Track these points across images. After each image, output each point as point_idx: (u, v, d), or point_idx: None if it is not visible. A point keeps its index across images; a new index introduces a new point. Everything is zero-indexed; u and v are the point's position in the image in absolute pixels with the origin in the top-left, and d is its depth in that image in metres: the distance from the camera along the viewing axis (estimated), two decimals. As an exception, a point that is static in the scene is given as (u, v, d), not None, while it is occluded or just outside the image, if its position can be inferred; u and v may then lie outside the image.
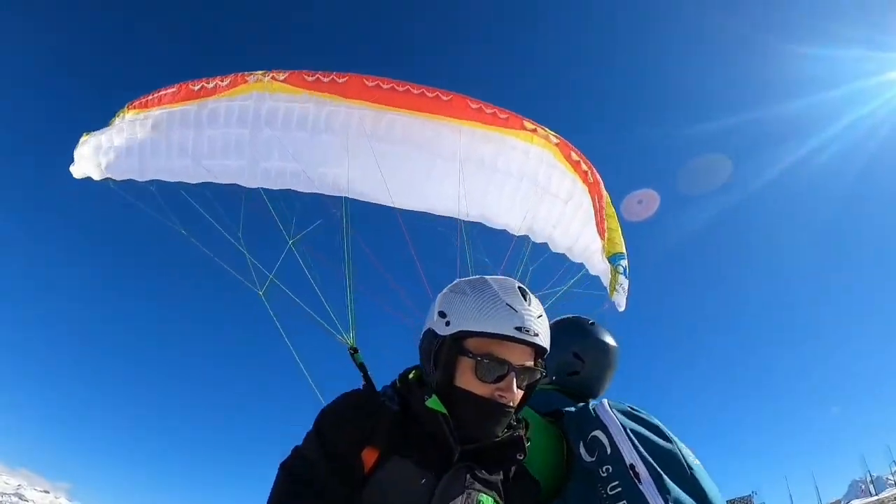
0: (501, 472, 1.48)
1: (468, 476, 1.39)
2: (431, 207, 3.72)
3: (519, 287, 1.46)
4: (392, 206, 3.60)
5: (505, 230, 3.91)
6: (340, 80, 3.36)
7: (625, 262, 3.56)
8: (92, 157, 3.21)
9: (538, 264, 3.93)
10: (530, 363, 1.43)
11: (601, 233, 3.41)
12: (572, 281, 3.86)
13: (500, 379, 1.38)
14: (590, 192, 3.58)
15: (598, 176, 3.62)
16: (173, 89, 3.11)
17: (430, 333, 1.47)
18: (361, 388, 1.71)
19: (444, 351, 1.41)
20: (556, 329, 1.85)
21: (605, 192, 3.61)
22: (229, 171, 3.23)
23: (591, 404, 1.85)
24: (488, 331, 1.36)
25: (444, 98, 3.41)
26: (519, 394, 1.43)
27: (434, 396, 1.39)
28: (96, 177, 3.23)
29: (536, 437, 1.58)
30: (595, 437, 1.75)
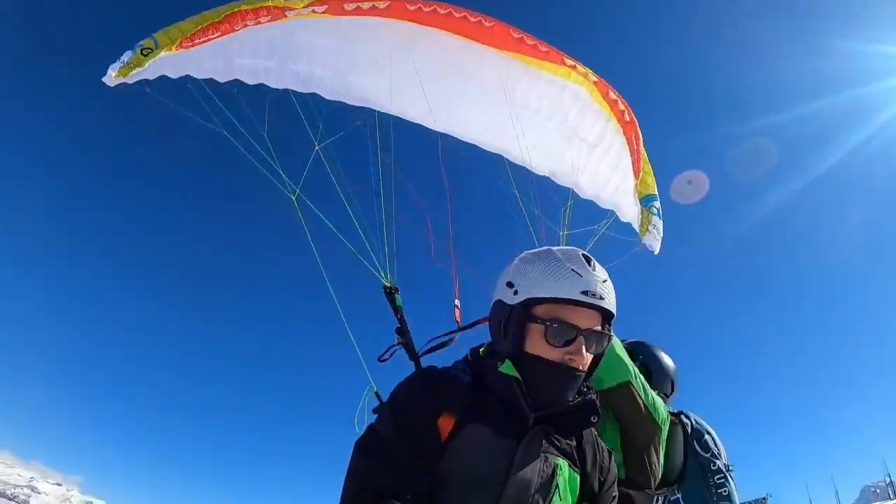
0: (574, 439, 1.50)
1: (544, 441, 1.41)
2: (458, 132, 3.64)
3: (583, 254, 1.48)
4: (420, 123, 3.55)
5: (526, 167, 3.83)
6: (382, 6, 3.36)
7: (658, 204, 3.48)
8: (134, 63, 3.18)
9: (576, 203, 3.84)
10: (598, 327, 1.44)
11: (636, 171, 3.33)
12: (606, 223, 3.78)
13: (569, 343, 1.40)
14: (625, 131, 3.47)
15: (634, 116, 3.51)
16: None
17: (499, 304, 1.51)
18: (433, 367, 1.70)
19: (513, 319, 1.44)
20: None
21: (640, 134, 3.55)
22: (257, 71, 3.24)
23: (692, 416, 2.73)
24: (555, 296, 1.39)
25: (487, 24, 3.34)
26: (588, 358, 1.44)
27: (507, 362, 1.41)
28: (134, 79, 3.13)
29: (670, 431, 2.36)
30: (706, 439, 2.66)
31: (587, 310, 1.41)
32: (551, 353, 1.40)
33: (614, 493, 1.58)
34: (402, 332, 2.72)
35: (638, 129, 3.51)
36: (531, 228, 3.35)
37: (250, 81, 3.18)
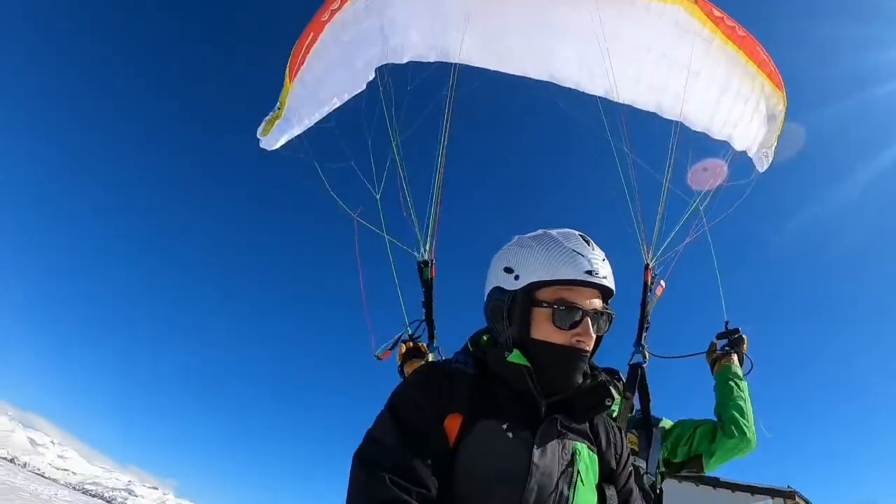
0: (587, 423, 1.47)
1: (559, 427, 1.37)
2: (559, 77, 3.54)
3: (580, 234, 1.47)
4: (518, 74, 3.51)
5: (631, 106, 3.63)
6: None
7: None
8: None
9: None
10: (602, 307, 1.44)
11: (777, 83, 3.27)
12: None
13: (576, 325, 1.38)
14: (741, 46, 3.27)
15: (745, 30, 3.32)
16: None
17: (498, 291, 1.48)
18: (434, 362, 1.66)
19: (517, 305, 1.42)
20: None
21: (758, 42, 3.34)
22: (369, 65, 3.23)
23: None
24: (560, 278, 1.38)
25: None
26: (593, 338, 1.42)
27: (516, 351, 1.37)
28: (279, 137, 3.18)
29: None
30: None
31: (590, 290, 1.41)
32: (559, 337, 1.38)
33: (630, 469, 1.55)
34: (426, 305, 2.86)
35: (755, 41, 3.28)
36: (630, 182, 3.25)
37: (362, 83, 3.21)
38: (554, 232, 1.48)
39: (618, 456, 1.50)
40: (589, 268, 1.38)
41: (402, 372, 2.87)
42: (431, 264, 2.91)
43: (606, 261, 1.45)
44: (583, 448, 1.39)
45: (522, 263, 1.43)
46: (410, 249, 2.94)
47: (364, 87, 3.30)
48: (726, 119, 3.61)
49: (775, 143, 3.31)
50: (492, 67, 3.33)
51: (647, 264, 3.04)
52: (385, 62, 3.15)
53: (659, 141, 3.57)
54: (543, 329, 1.39)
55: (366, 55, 3.25)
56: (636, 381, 2.63)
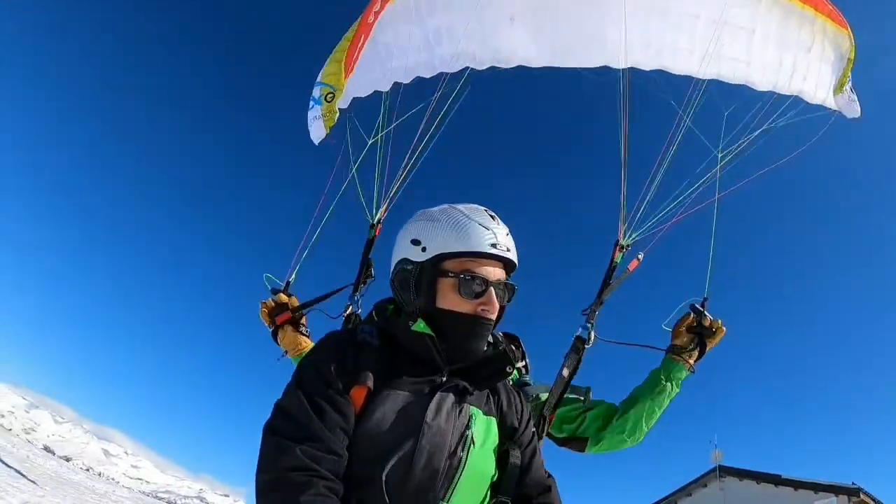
0: (489, 390, 1.54)
1: (457, 392, 1.42)
2: (607, 60, 3.40)
3: (486, 210, 1.53)
4: (565, 65, 3.38)
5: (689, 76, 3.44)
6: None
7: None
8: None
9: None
10: (505, 279, 1.51)
11: (840, 22, 3.12)
12: (773, 119, 3.37)
13: (480, 294, 1.44)
14: None
15: None
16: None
17: (405, 262, 1.53)
18: (337, 331, 1.72)
19: (424, 276, 1.47)
20: None
21: None
22: (409, 68, 3.20)
23: None
24: (465, 249, 1.44)
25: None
26: (496, 308, 1.48)
27: (420, 321, 1.43)
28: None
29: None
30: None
31: (494, 262, 1.48)
32: (464, 306, 1.44)
33: (532, 430, 1.61)
34: (361, 260, 2.95)
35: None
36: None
37: (406, 80, 3.14)
38: (460, 206, 1.54)
39: (519, 417, 1.57)
40: (494, 241, 1.45)
41: (275, 338, 2.81)
42: (379, 223, 3.05)
43: (510, 236, 1.53)
44: (478, 413, 1.45)
45: (429, 236, 1.49)
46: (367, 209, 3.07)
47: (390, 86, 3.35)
48: (792, 73, 3.46)
49: (848, 83, 3.06)
50: (546, 64, 3.26)
51: (618, 241, 2.86)
52: (435, 72, 3.11)
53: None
54: (449, 298, 1.45)
55: (407, 61, 3.21)
56: (573, 354, 2.54)
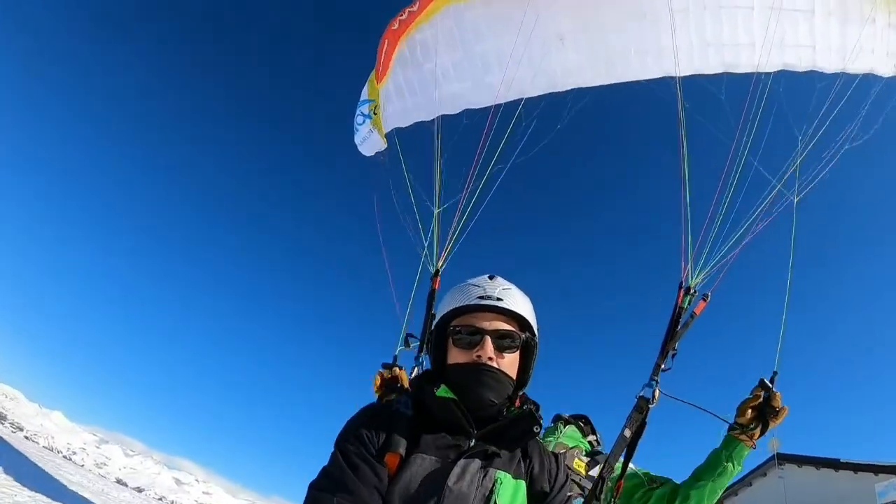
0: (520, 451, 1.54)
1: (484, 455, 1.44)
2: (664, 70, 3.30)
3: (489, 275, 1.60)
4: (618, 80, 3.28)
5: (753, 72, 3.31)
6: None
7: None
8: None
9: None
10: (506, 327, 1.52)
11: None
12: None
13: (475, 344, 1.49)
14: None
15: None
16: (385, 43, 3.07)
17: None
18: (373, 403, 1.73)
19: (434, 339, 1.60)
20: None
21: None
22: (458, 96, 3.10)
23: None
24: (457, 306, 1.53)
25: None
26: (509, 358, 1.51)
27: (443, 386, 1.48)
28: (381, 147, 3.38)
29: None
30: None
31: (490, 314, 1.51)
32: (463, 357, 1.49)
33: (567, 494, 1.59)
34: (425, 321, 3.03)
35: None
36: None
37: (454, 111, 3.13)
38: (470, 278, 1.63)
39: (552, 481, 1.57)
40: (482, 293, 1.52)
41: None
42: (438, 275, 3.07)
43: (513, 289, 1.57)
44: (506, 477, 1.45)
45: (440, 307, 1.63)
46: (427, 261, 3.09)
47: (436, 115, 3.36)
48: (859, 49, 3.27)
49: None
50: (602, 82, 3.18)
51: (681, 283, 2.71)
52: (484, 103, 3.07)
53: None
54: (453, 354, 1.53)
55: (450, 89, 3.20)
56: (635, 414, 2.50)
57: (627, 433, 2.47)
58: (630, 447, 2.50)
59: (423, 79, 3.14)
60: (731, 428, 2.56)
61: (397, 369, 2.97)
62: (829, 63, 3.30)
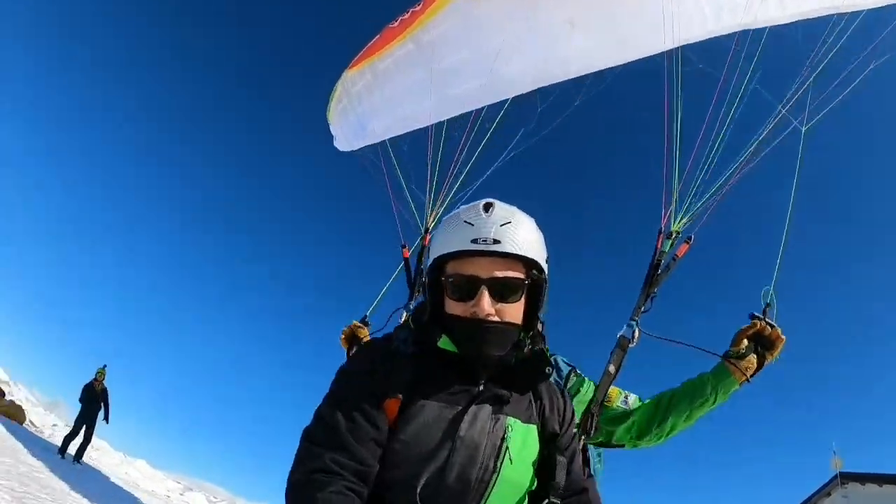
0: (531, 393, 1.47)
1: (493, 401, 1.37)
2: (681, 39, 3.16)
3: (485, 203, 1.41)
4: (633, 58, 3.23)
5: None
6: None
7: None
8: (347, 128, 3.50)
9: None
10: (505, 273, 1.36)
11: None
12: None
13: (470, 296, 1.35)
14: None
15: None
16: (379, 36, 3.12)
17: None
18: (375, 339, 1.63)
19: (427, 283, 1.46)
20: None
21: None
22: (467, 94, 3.10)
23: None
24: (447, 251, 1.37)
25: None
26: (512, 308, 1.38)
27: (444, 337, 1.39)
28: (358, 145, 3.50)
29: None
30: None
31: (487, 258, 1.35)
32: (460, 309, 1.37)
33: (574, 431, 1.57)
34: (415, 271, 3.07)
35: None
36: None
37: (457, 113, 3.14)
38: (462, 206, 1.48)
39: (560, 419, 1.53)
40: (475, 236, 1.34)
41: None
42: (428, 232, 3.07)
43: (512, 223, 1.38)
44: (516, 423, 1.39)
45: (433, 242, 1.48)
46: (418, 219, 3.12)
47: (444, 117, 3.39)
48: None
49: None
50: (614, 63, 3.12)
51: (661, 229, 2.65)
52: (500, 97, 3.06)
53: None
54: (449, 303, 1.40)
55: (461, 87, 3.19)
56: (618, 351, 2.52)
57: (612, 368, 2.51)
58: (611, 382, 2.52)
59: (432, 79, 3.14)
60: (723, 356, 2.46)
61: (356, 324, 3.18)
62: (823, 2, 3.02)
